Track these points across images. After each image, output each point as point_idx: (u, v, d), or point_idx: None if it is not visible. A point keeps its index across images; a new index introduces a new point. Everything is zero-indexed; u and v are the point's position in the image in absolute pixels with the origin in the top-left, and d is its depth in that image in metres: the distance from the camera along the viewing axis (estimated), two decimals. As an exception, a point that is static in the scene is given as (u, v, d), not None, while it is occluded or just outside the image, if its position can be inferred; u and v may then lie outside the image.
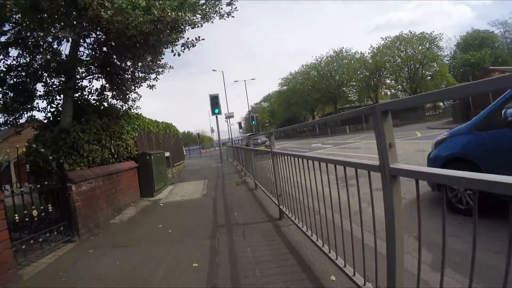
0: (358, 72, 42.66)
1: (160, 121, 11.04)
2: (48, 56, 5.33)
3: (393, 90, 46.59)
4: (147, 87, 6.93)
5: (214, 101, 14.73)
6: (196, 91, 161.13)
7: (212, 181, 8.76)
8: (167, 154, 10.02)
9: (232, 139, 29.42)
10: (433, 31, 38.84)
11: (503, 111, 2.87)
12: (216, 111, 14.74)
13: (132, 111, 7.65)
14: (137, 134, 7.43)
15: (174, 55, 5.43)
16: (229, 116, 31.86)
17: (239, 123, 38.51)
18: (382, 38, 42.13)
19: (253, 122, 31.64)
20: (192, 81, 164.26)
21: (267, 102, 70.85)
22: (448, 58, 43.51)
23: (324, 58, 46.41)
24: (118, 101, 7.06)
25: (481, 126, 3.17)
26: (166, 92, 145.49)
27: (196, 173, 11.76)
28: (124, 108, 7.27)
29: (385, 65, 40.54)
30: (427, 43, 38.90)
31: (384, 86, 44.22)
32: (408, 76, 40.48)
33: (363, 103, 49.00)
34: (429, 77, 39.68)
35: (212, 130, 41.48)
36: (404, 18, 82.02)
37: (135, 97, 7.26)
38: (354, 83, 44.27)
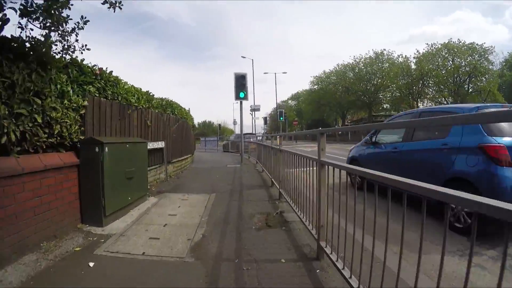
0: (400, 77, 37.63)
1: (159, 97, 7.43)
2: None
3: (431, 103, 40.75)
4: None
5: (240, 82, 11.03)
6: (225, 83, 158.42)
7: (221, 201, 4.98)
8: (158, 145, 6.42)
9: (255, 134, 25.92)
10: (484, 42, 33.20)
11: (370, 137, 5.71)
12: (242, 94, 11.05)
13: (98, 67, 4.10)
14: (86, 103, 3.79)
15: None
16: (254, 109, 28.24)
17: (265, 118, 34.72)
18: (427, 44, 36.76)
19: (281, 119, 27.90)
20: (220, 73, 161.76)
21: (295, 101, 66.52)
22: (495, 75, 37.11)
23: (362, 59, 41.64)
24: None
25: (363, 143, 5.97)
26: (193, 83, 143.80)
27: (203, 176, 8.09)
28: (67, 55, 3.63)
29: (431, 72, 35.34)
30: (477, 55, 33.39)
31: (427, 96, 38.76)
32: (453, 88, 35.00)
33: (398, 111, 44.11)
34: (475, 92, 33.98)
35: (235, 122, 37.94)
36: (438, 32, 75.18)
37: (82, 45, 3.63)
38: (395, 88, 39.20)
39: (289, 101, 70.64)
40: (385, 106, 43.79)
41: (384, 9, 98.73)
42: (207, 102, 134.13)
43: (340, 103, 45.02)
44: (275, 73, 34.62)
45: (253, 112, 28.77)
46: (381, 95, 42.16)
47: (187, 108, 11.71)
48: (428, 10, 79.82)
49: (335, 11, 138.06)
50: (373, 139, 5.53)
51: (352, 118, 50.81)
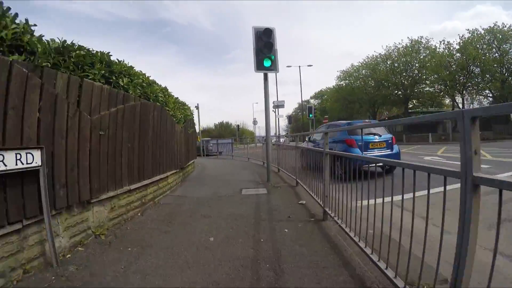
0: (443, 67, 31.13)
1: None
2: None
3: (479, 96, 33.78)
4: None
5: (263, 42, 6.16)
6: (244, 85, 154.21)
7: None
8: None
9: (278, 134, 21.09)
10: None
11: (308, 138, 8.99)
12: (267, 62, 6.16)
13: None
14: None
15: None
16: (278, 106, 23.75)
17: (289, 117, 29.67)
18: (468, 30, 30.04)
19: (311, 116, 22.84)
20: (239, 75, 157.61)
21: (318, 99, 60.80)
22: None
23: (396, 49, 35.60)
24: None
25: (307, 140, 8.82)
26: (212, 87, 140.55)
27: (179, 234, 3.25)
28: None
29: (479, 58, 28.80)
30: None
31: (475, 89, 31.95)
32: (501, 78, 28.43)
33: (438, 107, 37.62)
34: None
35: (255, 122, 32.86)
36: (459, 27, 68.70)
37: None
38: (437, 80, 32.75)
39: (311, 100, 65.20)
40: (422, 100, 37.21)
41: (402, 8, 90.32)
42: (227, 105, 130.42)
43: (371, 99, 39.19)
44: (299, 66, 29.73)
45: (276, 110, 24.14)
46: (420, 88, 35.84)
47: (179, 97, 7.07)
48: (448, 6, 72.32)
49: (352, 10, 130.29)
50: (311, 138, 8.93)
51: (382, 115, 44.59)
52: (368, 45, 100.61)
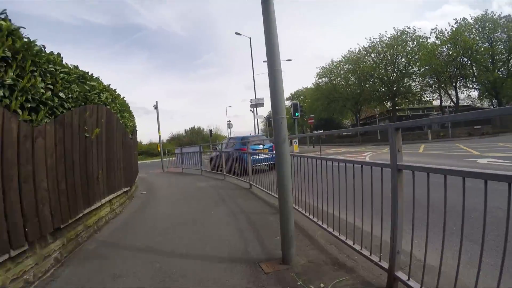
0: (436, 56, 28.35)
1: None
2: None
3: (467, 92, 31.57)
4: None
5: None
6: (216, 89, 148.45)
7: None
8: None
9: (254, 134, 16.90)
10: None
11: (215, 147, 16.59)
12: None
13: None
14: None
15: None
16: (256, 104, 19.95)
17: (268, 118, 25.82)
18: (455, 19, 27.44)
19: (297, 114, 18.79)
20: (212, 80, 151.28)
21: (295, 101, 56.79)
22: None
23: (379, 41, 32.59)
24: None
25: (215, 149, 13.95)
26: (185, 92, 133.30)
27: None
28: None
29: (473, 48, 26.42)
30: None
31: (469, 80, 29.51)
32: (493, 68, 26.36)
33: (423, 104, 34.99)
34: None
35: (230, 125, 28.36)
36: (427, 26, 70.38)
37: None
38: (428, 72, 29.93)
39: (287, 102, 61.63)
40: (410, 97, 34.34)
41: (370, 9, 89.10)
42: (200, 110, 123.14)
43: (354, 97, 35.84)
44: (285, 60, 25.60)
45: (255, 109, 20.30)
46: (407, 83, 32.93)
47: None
48: (416, 7, 72.04)
49: (320, 11, 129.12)
50: (218, 148, 12.50)
51: (368, 113, 41.51)
52: (337, 46, 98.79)
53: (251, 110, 21.16)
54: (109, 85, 5.06)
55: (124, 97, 6.24)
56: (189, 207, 4.99)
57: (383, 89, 33.54)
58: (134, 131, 7.25)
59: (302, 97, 53.28)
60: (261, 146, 9.18)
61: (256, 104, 21.09)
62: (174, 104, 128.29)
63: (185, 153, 12.43)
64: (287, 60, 28.28)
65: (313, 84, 40.72)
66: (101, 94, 4.21)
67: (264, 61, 21.90)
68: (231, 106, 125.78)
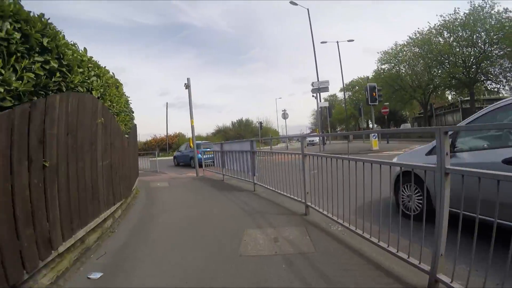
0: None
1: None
2: None
3: None
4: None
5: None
6: (265, 83, 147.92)
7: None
8: None
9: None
10: None
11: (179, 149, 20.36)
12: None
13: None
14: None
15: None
16: (320, 88, 17.04)
17: (329, 109, 21.96)
18: None
19: (373, 102, 15.76)
20: (260, 75, 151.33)
21: (349, 92, 52.73)
22: None
23: (452, 18, 27.79)
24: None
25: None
26: (233, 87, 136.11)
27: None
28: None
29: None
30: None
31: None
32: None
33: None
34: None
35: (285, 116, 25.62)
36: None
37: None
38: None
39: (338, 94, 58.21)
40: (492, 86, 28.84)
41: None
42: (246, 105, 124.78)
43: (421, 85, 31.37)
44: (337, 42, 23.50)
45: (318, 94, 17.79)
46: (487, 67, 27.57)
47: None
48: None
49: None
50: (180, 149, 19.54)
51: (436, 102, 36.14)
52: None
53: (313, 96, 18.60)
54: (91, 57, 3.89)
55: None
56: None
57: (460, 75, 28.61)
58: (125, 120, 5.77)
59: (357, 87, 49.43)
60: (208, 149, 12.03)
61: (319, 89, 17.67)
62: (222, 98, 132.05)
63: (228, 151, 8.37)
64: (348, 41, 25.46)
65: (374, 71, 36.76)
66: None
67: (322, 42, 19.61)
68: (281, 98, 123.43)
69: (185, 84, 10.88)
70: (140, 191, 7.51)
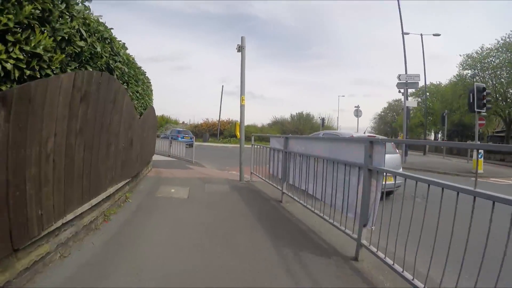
0: None
1: None
2: None
3: None
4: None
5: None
6: (326, 82, 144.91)
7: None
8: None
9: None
10: None
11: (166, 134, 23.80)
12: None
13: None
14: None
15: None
16: (407, 84, 15.56)
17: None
18: None
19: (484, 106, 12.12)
20: (323, 72, 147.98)
21: (418, 98, 49.45)
22: None
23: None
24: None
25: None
26: (293, 82, 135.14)
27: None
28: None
29: None
30: None
31: None
32: None
33: None
34: None
35: (358, 113, 25.24)
36: None
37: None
38: None
39: (411, 99, 54.20)
40: None
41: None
42: (305, 100, 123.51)
43: (506, 98, 28.29)
44: (421, 34, 22.36)
45: (405, 90, 16.09)
46: None
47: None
48: None
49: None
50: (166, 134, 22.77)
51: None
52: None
53: (399, 92, 16.50)
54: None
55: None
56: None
57: None
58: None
59: (431, 93, 46.08)
60: (184, 137, 15.38)
61: (406, 83, 15.38)
62: (281, 92, 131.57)
63: (296, 154, 4.67)
64: (433, 35, 23.75)
65: (454, 76, 33.86)
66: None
67: (405, 33, 16.83)
68: (344, 96, 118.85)
69: (238, 45, 7.95)
70: (131, 201, 4.67)
